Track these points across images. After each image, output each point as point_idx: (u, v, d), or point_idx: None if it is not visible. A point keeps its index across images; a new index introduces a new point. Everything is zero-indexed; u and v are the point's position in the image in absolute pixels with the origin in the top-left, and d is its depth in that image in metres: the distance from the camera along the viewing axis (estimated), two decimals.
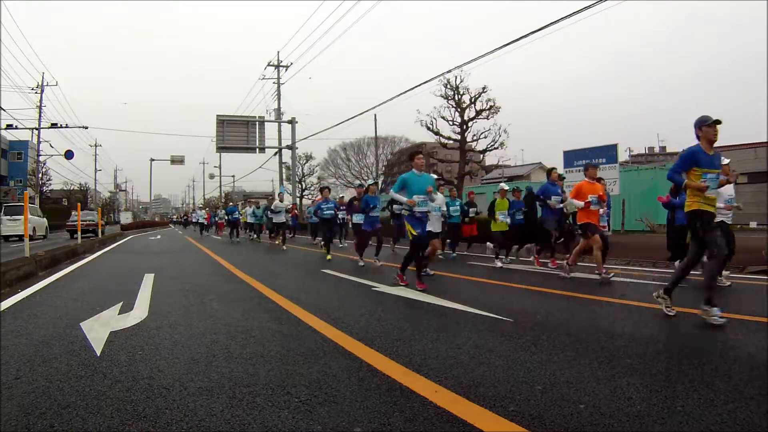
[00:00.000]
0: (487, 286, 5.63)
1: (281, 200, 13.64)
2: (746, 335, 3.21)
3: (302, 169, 41.25)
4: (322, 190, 10.79)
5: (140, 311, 3.91)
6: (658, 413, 1.86)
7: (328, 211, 9.55)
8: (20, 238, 17.36)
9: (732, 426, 1.76)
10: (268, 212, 13.95)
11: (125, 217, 48.26)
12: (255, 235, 17.05)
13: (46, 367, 2.46)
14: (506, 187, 8.25)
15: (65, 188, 44.80)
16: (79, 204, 18.53)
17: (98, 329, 3.26)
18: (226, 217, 18.98)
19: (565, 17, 10.29)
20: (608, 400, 1.98)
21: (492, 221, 8.09)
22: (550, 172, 7.85)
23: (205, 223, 23.48)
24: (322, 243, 10.10)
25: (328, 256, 8.92)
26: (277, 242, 13.47)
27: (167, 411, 1.89)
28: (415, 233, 5.14)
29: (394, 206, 8.19)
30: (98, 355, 2.67)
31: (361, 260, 7.82)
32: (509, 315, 3.71)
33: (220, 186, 53.81)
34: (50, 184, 40.69)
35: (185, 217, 45.58)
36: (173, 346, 2.87)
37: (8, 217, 18.63)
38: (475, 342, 2.94)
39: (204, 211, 26.84)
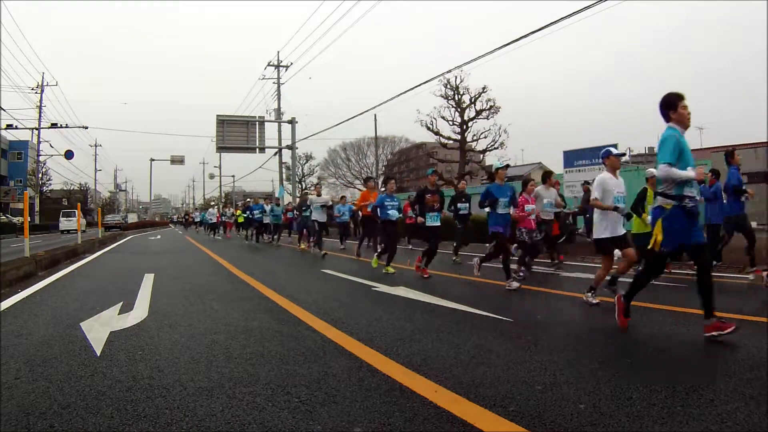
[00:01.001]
0: (488, 287, 5.62)
1: (318, 194, 11.46)
2: (746, 335, 3.20)
3: (302, 169, 41.31)
4: (386, 181, 8.05)
5: (140, 311, 3.91)
6: (658, 413, 1.86)
7: (392, 210, 7.03)
8: (69, 232, 27.58)
9: (732, 426, 1.76)
10: (303, 208, 11.68)
11: (131, 218, 48.90)
12: (272, 238, 15.73)
13: (46, 367, 2.46)
14: (655, 172, 5.20)
15: (65, 188, 44.97)
16: (99, 209, 21.14)
17: (98, 329, 3.26)
18: (250, 216, 16.75)
19: (565, 17, 10.26)
20: (608, 400, 1.98)
21: (637, 219, 5.66)
22: (732, 153, 6.08)
23: (216, 224, 22.24)
24: (378, 252, 7.34)
25: (390, 269, 6.79)
26: (304, 246, 11.54)
27: (167, 411, 1.89)
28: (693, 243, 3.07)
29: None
30: (98, 355, 2.67)
31: (513, 283, 5.28)
32: (509, 315, 3.72)
33: (220, 186, 53.88)
34: (50, 184, 40.98)
35: (186, 217, 45.36)
36: (173, 346, 2.87)
37: (65, 218, 30.21)
38: (475, 342, 2.94)
39: (215, 209, 25.55)
